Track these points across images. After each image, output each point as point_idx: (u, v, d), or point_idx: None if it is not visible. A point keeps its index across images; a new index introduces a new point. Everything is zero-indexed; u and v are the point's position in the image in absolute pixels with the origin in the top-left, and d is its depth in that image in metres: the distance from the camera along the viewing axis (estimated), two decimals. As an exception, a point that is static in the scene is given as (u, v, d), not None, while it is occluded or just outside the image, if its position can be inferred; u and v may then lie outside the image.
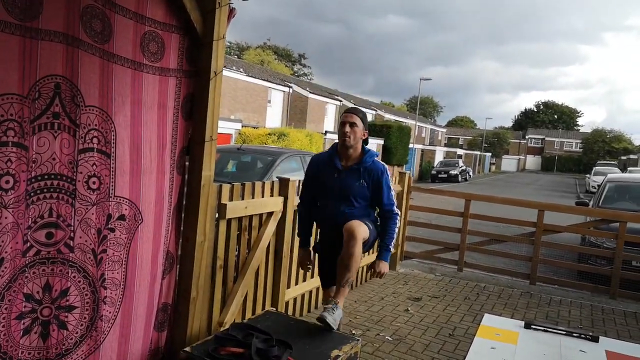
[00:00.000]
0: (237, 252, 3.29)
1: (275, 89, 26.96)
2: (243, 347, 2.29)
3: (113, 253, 2.26)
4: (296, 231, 3.57)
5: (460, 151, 44.17)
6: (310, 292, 4.38)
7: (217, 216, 3.01)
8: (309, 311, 4.41)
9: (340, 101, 31.95)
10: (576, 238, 7.28)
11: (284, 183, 3.72)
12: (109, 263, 2.26)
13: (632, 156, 42.95)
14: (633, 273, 5.55)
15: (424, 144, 41.09)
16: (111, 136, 2.21)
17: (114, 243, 2.26)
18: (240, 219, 3.27)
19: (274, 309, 3.74)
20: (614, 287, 5.32)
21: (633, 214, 5.40)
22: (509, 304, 5.14)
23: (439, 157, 38.11)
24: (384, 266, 3.10)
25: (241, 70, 24.04)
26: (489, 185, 30.53)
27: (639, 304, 5.33)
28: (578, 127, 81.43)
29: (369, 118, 34.71)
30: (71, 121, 2.08)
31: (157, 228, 2.44)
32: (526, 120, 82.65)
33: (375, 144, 26.71)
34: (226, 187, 3.05)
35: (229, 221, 3.13)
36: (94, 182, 2.20)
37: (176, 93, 2.48)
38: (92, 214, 2.20)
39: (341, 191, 3.00)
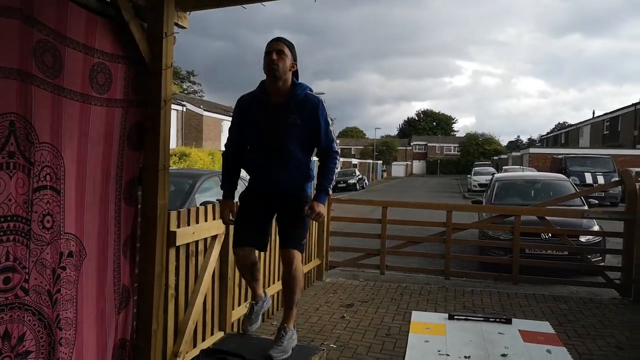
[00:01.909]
0: (186, 280, 3.25)
1: (168, 108, 26.02)
2: (221, 372, 2.31)
3: (66, 292, 2.17)
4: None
5: (354, 160, 46.13)
6: (278, 293, 4.42)
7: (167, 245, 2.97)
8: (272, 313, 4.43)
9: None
10: (475, 233, 8.08)
11: (219, 204, 3.73)
12: (62, 303, 2.16)
13: (502, 156, 48.09)
14: (527, 259, 6.33)
15: (320, 156, 42.20)
16: (61, 172, 2.13)
17: (66, 281, 2.17)
18: (187, 245, 3.24)
19: (223, 331, 3.74)
20: (515, 274, 6.02)
21: (527, 208, 6.18)
22: (430, 300, 5.59)
23: (335, 167, 39.38)
24: (321, 208, 2.79)
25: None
26: (385, 192, 32.22)
27: (536, 286, 6.09)
28: (454, 132, 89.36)
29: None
30: (25, 159, 1.99)
31: (102, 262, 2.36)
32: (409, 128, 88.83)
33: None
34: (174, 214, 3.02)
35: (177, 248, 3.10)
36: (47, 221, 2.11)
37: (122, 123, 2.45)
38: (47, 253, 2.10)
39: (272, 133, 2.69)
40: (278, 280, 4.79)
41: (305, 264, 5.93)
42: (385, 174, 63.89)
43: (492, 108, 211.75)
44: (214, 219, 3.60)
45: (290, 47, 2.72)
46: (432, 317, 4.98)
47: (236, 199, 3.10)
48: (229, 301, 3.82)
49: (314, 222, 6.10)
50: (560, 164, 19.91)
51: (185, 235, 3.11)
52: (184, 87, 53.50)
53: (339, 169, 3.45)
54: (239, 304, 4.14)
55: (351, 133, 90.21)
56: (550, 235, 6.47)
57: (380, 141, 71.12)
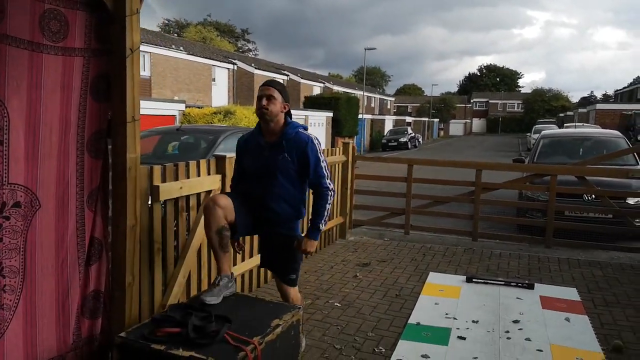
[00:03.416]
0: (175, 234, 3.24)
1: (219, 66, 26.30)
2: (180, 327, 2.28)
3: (9, 241, 2.16)
4: None
5: (409, 119, 44.96)
6: (259, 267, 4.39)
7: (150, 199, 2.95)
8: (258, 286, 4.43)
9: (288, 75, 31.62)
10: (515, 194, 7.63)
11: (220, 161, 3.67)
12: (5, 251, 2.15)
13: (568, 113, 45.10)
14: (566, 222, 5.89)
15: (373, 114, 41.51)
16: (3, 122, 2.08)
17: (9, 231, 2.15)
18: (176, 200, 3.21)
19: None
20: (548, 237, 5.63)
21: (562, 167, 5.70)
22: (452, 261, 5.36)
23: (388, 125, 38.67)
24: (311, 245, 2.98)
25: (181, 48, 23.27)
26: (438, 150, 31.36)
27: (572, 251, 5.68)
28: (519, 89, 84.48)
29: (317, 91, 34.64)
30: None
31: (61, 213, 2.33)
32: (470, 85, 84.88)
33: (325, 117, 26.75)
34: (157, 169, 2.98)
35: (164, 203, 3.07)
36: None
37: (83, 73, 2.36)
38: None
39: (266, 169, 2.87)
40: (250, 257, 4.53)
41: (327, 222, 5.83)
42: (442, 133, 62.05)
43: (564, 62, 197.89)
44: (208, 174, 3.54)
45: (281, 90, 2.88)
46: (449, 279, 4.77)
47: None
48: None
49: (338, 182, 5.98)
50: (628, 120, 18.31)
51: (170, 190, 3.06)
52: (239, 45, 53.63)
53: (330, 206, 3.49)
54: (243, 260, 4.12)
55: (409, 90, 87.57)
56: (594, 196, 5.97)
57: (438, 98, 68.62)
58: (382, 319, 3.84)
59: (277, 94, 2.83)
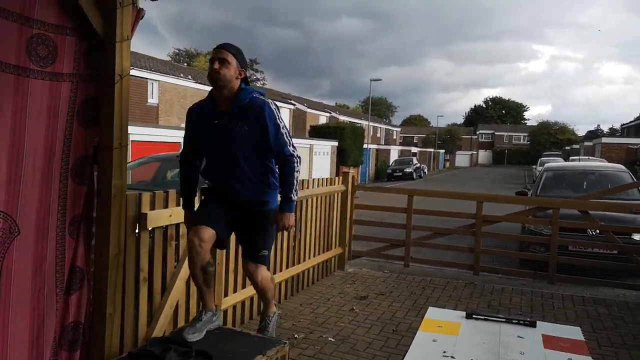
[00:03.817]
0: (163, 264, 3.15)
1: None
2: (158, 363, 2.18)
3: None
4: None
5: (414, 149, 45.06)
6: (252, 298, 4.27)
7: (138, 227, 2.88)
8: (250, 318, 4.30)
9: (294, 105, 31.92)
10: (519, 227, 7.49)
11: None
12: None
13: (574, 146, 45.03)
14: (570, 257, 5.74)
15: (379, 144, 41.65)
16: None
17: None
18: (165, 228, 3.14)
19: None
20: (551, 272, 5.48)
21: (564, 200, 5.59)
22: (453, 296, 5.21)
23: (394, 156, 38.74)
24: (287, 218, 2.73)
25: (189, 77, 23.61)
26: (443, 181, 31.25)
27: (576, 287, 5.51)
28: (525, 121, 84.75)
29: (323, 120, 34.88)
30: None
31: (40, 240, 2.27)
32: (476, 117, 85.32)
33: (330, 146, 26.85)
34: (146, 196, 2.92)
35: (152, 231, 3.00)
36: None
37: (71, 98, 2.34)
38: None
39: (222, 142, 2.61)
40: (242, 288, 4.43)
41: (325, 252, 5.74)
42: (447, 164, 62.02)
43: (570, 95, 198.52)
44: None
45: (236, 54, 2.63)
46: (448, 314, 4.60)
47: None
48: (220, 287, 3.70)
49: (337, 212, 5.90)
50: (634, 154, 18.20)
51: (159, 217, 3.00)
52: (247, 75, 54.37)
53: (299, 174, 3.20)
54: (235, 291, 4.01)
55: (415, 121, 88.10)
56: (597, 231, 5.84)
57: (444, 129, 68.91)
58: (377, 355, 3.69)
59: (231, 58, 2.57)
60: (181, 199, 2.98)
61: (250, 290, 4.11)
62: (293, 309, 4.64)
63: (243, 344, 2.54)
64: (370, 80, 32.91)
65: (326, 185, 5.62)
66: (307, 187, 5.15)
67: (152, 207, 2.98)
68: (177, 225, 3.25)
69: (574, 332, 4.23)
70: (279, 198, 2.83)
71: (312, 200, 5.30)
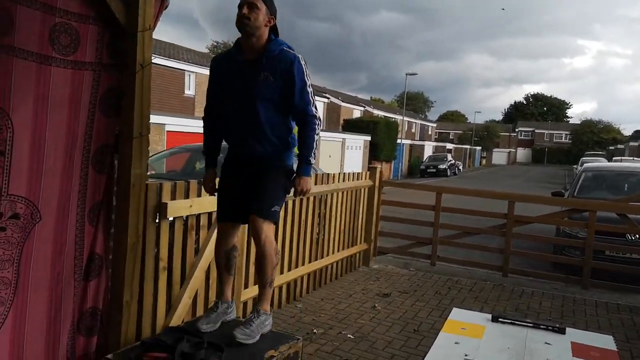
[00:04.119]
0: (182, 253, 3.17)
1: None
2: (169, 352, 2.18)
3: (3, 252, 2.13)
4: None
5: (449, 145, 44.25)
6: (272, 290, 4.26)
7: (158, 216, 2.91)
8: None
9: (328, 98, 31.85)
10: (553, 229, 7.22)
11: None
12: None
13: (619, 146, 43.21)
14: (606, 263, 5.49)
15: (413, 139, 41.11)
16: (7, 134, 2.07)
17: (4, 242, 2.12)
18: (186, 219, 3.15)
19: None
20: (585, 277, 5.26)
21: (602, 202, 5.35)
22: (479, 297, 5.06)
23: (428, 151, 38.14)
24: (305, 182, 2.61)
25: (225, 69, 23.85)
26: (478, 179, 30.58)
27: (611, 294, 5.27)
28: (567, 119, 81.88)
29: (357, 114, 34.66)
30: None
31: (61, 227, 2.31)
32: (516, 113, 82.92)
33: (362, 140, 26.67)
34: (167, 185, 2.94)
35: (172, 221, 3.02)
36: None
37: (93, 87, 2.36)
38: None
39: (245, 93, 2.48)
40: (302, 265, 4.59)
41: (349, 247, 5.68)
42: (484, 161, 60.68)
43: (617, 92, 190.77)
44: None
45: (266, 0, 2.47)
46: (473, 316, 4.46)
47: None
48: (240, 279, 3.71)
49: (363, 208, 5.83)
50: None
51: (179, 207, 3.01)
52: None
53: (319, 137, 3.05)
54: (255, 284, 4.01)
55: (451, 117, 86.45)
56: (637, 236, 5.55)
57: (482, 126, 67.33)
58: (395, 355, 3.63)
59: (260, 3, 2.43)
60: (204, 157, 2.88)
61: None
62: (314, 303, 4.61)
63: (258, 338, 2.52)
64: (406, 75, 32.48)
65: (353, 180, 5.55)
66: (333, 182, 5.10)
67: (173, 197, 2.99)
68: (198, 216, 3.26)
69: (606, 341, 4.03)
70: (294, 159, 2.75)
71: (337, 194, 5.25)
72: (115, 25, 2.42)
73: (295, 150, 2.74)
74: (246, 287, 3.88)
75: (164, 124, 13.80)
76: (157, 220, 2.89)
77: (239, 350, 2.33)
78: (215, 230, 3.37)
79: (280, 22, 2.61)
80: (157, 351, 2.21)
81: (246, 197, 2.61)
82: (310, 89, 2.55)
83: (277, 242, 4.03)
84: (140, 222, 2.60)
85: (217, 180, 2.86)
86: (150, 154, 8.81)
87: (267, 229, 2.50)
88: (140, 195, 2.58)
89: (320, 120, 2.62)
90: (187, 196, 3.12)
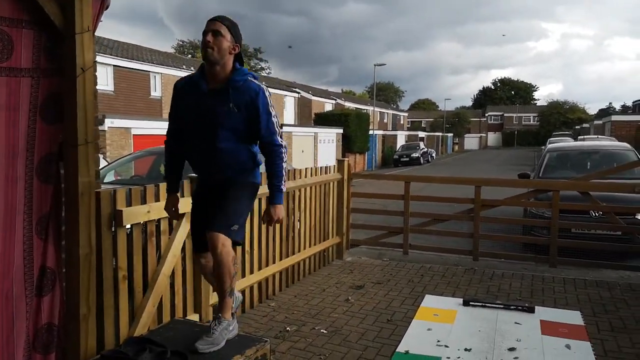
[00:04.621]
0: (144, 261, 3.09)
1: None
2: (128, 364, 2.12)
3: None
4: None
5: (421, 134, 44.67)
6: (243, 291, 4.21)
7: (114, 224, 2.82)
8: (243, 312, 4.25)
9: (299, 93, 31.72)
10: (522, 211, 7.34)
11: (193, 181, 3.53)
12: None
13: (585, 125, 44.33)
14: (572, 240, 5.61)
15: (385, 130, 41.34)
16: None
17: None
18: (145, 225, 3.07)
19: (199, 315, 3.58)
20: (552, 255, 5.36)
21: (563, 182, 5.45)
22: (452, 283, 5.11)
23: (401, 141, 38.42)
24: (279, 210, 2.63)
25: (192, 68, 23.47)
26: (451, 165, 30.98)
27: (579, 270, 5.39)
28: (535, 101, 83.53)
29: (328, 108, 34.64)
30: None
31: (8, 242, 2.21)
32: (485, 99, 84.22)
33: (335, 133, 26.68)
34: (121, 192, 2.85)
35: (130, 228, 2.94)
36: None
37: (32, 94, 2.26)
38: None
39: (206, 121, 2.46)
40: (273, 263, 4.57)
41: (321, 242, 5.66)
42: (457, 147, 61.51)
43: (581, 73, 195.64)
44: (182, 196, 3.40)
45: (231, 27, 2.45)
46: (445, 302, 4.50)
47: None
48: (206, 282, 3.63)
49: (333, 201, 5.80)
50: (645, 132, 17.82)
51: (136, 214, 2.93)
52: (252, 64, 54.16)
53: (286, 164, 2.79)
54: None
55: (423, 105, 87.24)
56: (600, 213, 5.68)
57: (452, 113, 68.18)
58: (369, 347, 3.62)
59: (225, 31, 2.41)
60: (165, 181, 2.88)
61: (240, 284, 4.06)
62: (287, 300, 4.58)
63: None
64: (375, 65, 32.58)
65: (321, 174, 5.52)
66: (300, 177, 5.06)
67: (129, 204, 2.91)
68: (158, 221, 3.18)
69: (574, 317, 4.11)
70: (260, 176, 2.78)
71: (306, 190, 5.21)
72: (51, 28, 2.32)
73: (262, 167, 2.74)
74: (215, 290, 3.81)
75: (130, 128, 13.53)
76: (112, 229, 2.81)
77: (205, 356, 2.28)
78: (178, 233, 3.31)
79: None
80: (116, 364, 2.14)
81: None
82: (275, 119, 2.56)
83: (245, 242, 4.01)
84: (92, 231, 2.52)
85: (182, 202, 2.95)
86: (115, 159, 8.60)
87: (222, 241, 2.45)
88: (90, 204, 2.49)
89: (286, 148, 2.65)
90: (144, 202, 3.04)
